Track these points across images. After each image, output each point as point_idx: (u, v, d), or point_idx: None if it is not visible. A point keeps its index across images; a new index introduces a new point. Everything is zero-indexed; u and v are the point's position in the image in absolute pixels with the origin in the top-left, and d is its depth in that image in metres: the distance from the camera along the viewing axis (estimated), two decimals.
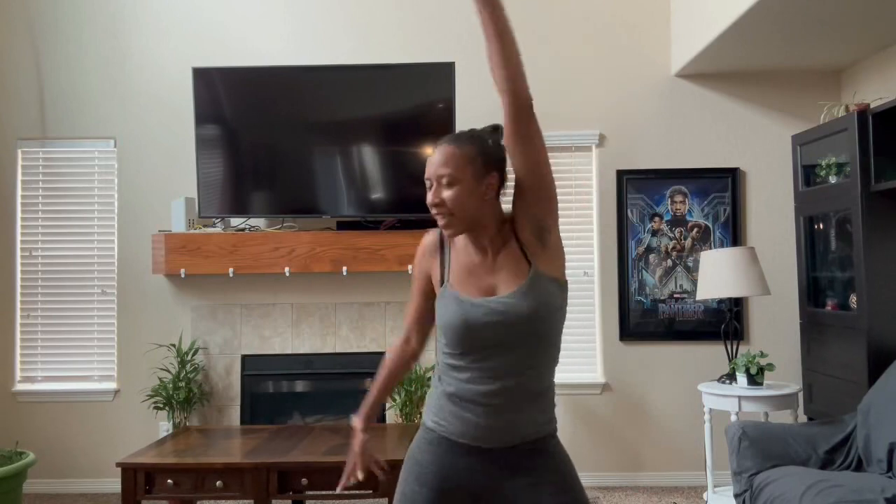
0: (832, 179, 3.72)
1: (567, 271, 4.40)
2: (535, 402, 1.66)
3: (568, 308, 4.47)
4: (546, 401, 1.69)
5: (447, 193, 1.62)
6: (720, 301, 4.35)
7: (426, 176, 1.68)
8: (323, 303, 4.36)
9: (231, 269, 4.10)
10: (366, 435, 1.81)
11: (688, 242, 4.41)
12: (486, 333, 1.61)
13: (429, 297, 1.80)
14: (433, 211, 1.66)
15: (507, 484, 1.65)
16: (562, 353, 3.97)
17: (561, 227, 4.53)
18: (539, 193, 1.62)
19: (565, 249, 4.42)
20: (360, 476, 1.79)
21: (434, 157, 1.65)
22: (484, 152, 1.64)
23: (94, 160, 4.47)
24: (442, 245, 1.75)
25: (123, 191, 4.43)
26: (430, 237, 1.78)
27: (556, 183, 4.66)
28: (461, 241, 1.72)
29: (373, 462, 1.81)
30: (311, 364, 4.33)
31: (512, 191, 1.67)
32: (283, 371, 4.34)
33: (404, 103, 4.14)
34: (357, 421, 1.82)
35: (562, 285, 1.67)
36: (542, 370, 1.67)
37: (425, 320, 1.83)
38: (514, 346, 1.62)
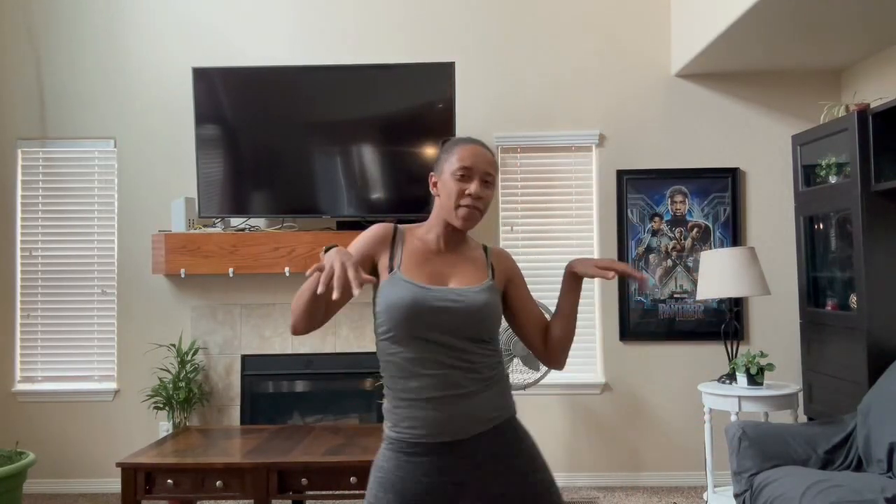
0: (832, 179, 3.72)
1: None
2: (487, 387, 1.66)
3: None
4: (499, 385, 1.70)
5: (486, 192, 1.70)
6: (720, 301, 4.35)
7: (469, 164, 1.68)
8: None
9: (231, 269, 4.10)
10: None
11: (688, 242, 4.41)
12: (435, 317, 1.62)
13: (362, 267, 1.76)
14: (469, 202, 1.68)
15: (474, 476, 1.64)
16: None
17: (561, 227, 4.55)
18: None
19: (566, 248, 4.43)
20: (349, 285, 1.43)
21: (483, 152, 1.72)
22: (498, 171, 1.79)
23: (94, 160, 4.47)
24: (394, 239, 1.75)
25: (123, 191, 4.43)
26: (384, 228, 1.76)
27: (557, 183, 4.68)
28: (418, 236, 1.76)
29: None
30: (311, 364, 4.33)
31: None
32: (283, 371, 4.34)
33: (404, 103, 4.14)
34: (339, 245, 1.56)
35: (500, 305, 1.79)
36: (488, 359, 1.68)
37: None
38: (459, 336, 1.63)
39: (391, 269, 1.70)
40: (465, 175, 1.68)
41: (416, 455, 1.64)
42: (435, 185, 1.76)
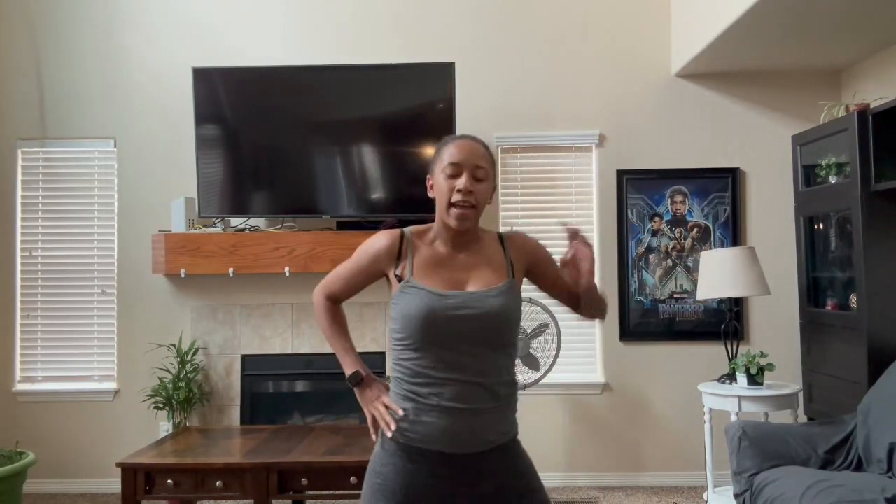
0: (832, 179, 3.72)
1: None
2: (498, 406, 1.64)
3: (568, 307, 4.46)
4: (508, 406, 1.68)
5: (477, 186, 1.66)
6: (720, 301, 4.35)
7: (458, 160, 1.65)
8: None
9: (231, 269, 4.10)
10: (376, 380, 1.77)
11: (688, 242, 4.41)
12: (452, 325, 1.59)
13: (364, 285, 1.80)
14: (459, 197, 1.63)
15: (472, 490, 1.63)
16: (562, 353, 3.97)
17: (561, 227, 4.53)
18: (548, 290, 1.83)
19: (566, 248, 4.43)
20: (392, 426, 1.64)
21: (472, 146, 1.68)
22: (494, 165, 1.74)
23: (94, 160, 4.46)
24: (402, 247, 1.71)
25: (123, 191, 4.43)
26: (389, 238, 1.72)
27: (557, 183, 4.69)
28: (427, 241, 1.72)
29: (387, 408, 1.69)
30: (311, 364, 4.33)
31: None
32: (283, 371, 4.34)
33: (404, 103, 4.13)
34: (363, 372, 1.76)
35: (520, 298, 1.76)
36: (503, 373, 1.65)
37: (348, 297, 1.83)
38: (477, 343, 1.61)
39: (404, 277, 1.67)
40: (455, 171, 1.65)
41: (420, 461, 1.61)
42: (431, 187, 1.73)
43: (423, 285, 1.64)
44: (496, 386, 1.63)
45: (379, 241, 1.73)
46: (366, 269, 1.75)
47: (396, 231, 1.74)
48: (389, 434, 1.63)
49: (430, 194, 1.73)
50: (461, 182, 1.64)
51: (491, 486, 1.63)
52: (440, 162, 1.68)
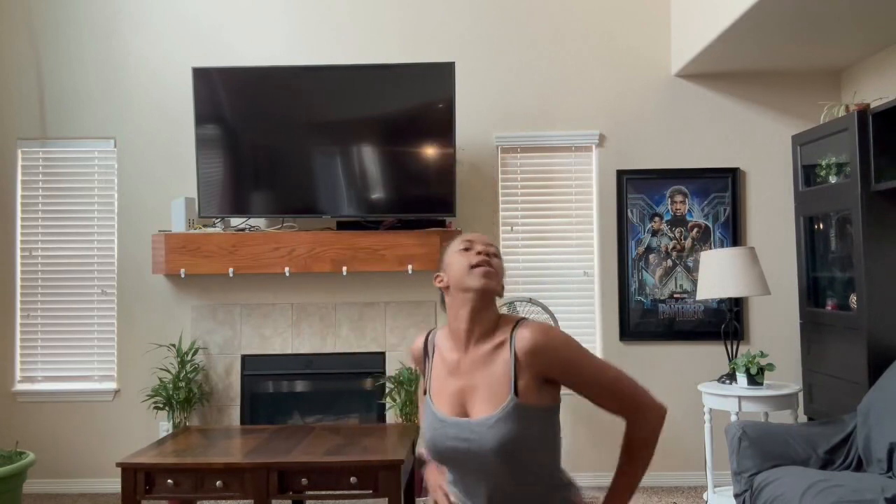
0: (832, 179, 3.72)
1: (567, 271, 4.42)
2: (539, 499, 1.52)
3: (568, 308, 4.41)
4: (554, 497, 1.53)
5: (494, 260, 1.58)
6: (720, 301, 4.35)
7: (470, 239, 1.61)
8: (323, 303, 4.36)
9: (231, 269, 4.10)
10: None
11: (688, 242, 4.41)
12: (453, 456, 1.52)
13: None
14: (478, 259, 1.56)
15: None
16: None
17: (561, 227, 4.55)
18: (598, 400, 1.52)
19: (566, 248, 4.43)
20: None
21: (482, 236, 1.64)
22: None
23: (94, 160, 4.46)
24: (426, 350, 1.68)
25: (123, 191, 4.43)
26: (417, 344, 1.71)
27: (557, 183, 4.69)
28: (446, 342, 1.62)
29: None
30: (311, 364, 4.33)
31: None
32: (283, 371, 4.34)
33: (404, 103, 4.14)
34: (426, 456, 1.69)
35: (551, 409, 1.51)
36: (531, 484, 1.50)
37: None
38: (486, 472, 1.49)
39: (426, 389, 1.65)
40: (468, 247, 1.61)
41: None
42: (441, 279, 1.63)
43: (431, 403, 1.60)
44: (524, 493, 1.51)
45: (414, 349, 1.73)
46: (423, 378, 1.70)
47: (423, 335, 1.72)
48: None
49: (440, 284, 1.62)
50: (479, 247, 1.61)
51: None
52: (452, 248, 1.64)
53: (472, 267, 1.55)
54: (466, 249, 1.60)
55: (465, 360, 1.55)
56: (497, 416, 1.45)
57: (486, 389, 1.50)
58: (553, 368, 1.47)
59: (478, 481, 1.50)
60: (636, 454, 1.50)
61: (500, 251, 1.64)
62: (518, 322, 1.53)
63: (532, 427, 1.45)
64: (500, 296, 1.60)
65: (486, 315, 1.55)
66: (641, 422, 1.49)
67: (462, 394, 1.53)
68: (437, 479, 1.66)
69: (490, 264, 1.56)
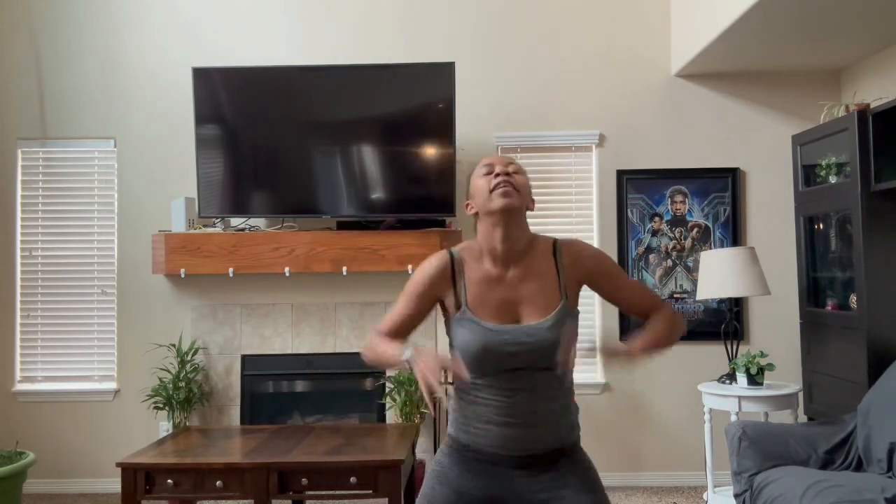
0: (832, 179, 3.72)
1: None
2: (557, 414, 1.67)
3: None
4: (568, 413, 1.71)
5: (515, 176, 1.67)
6: (720, 301, 4.35)
7: (489, 161, 1.70)
8: (323, 303, 4.36)
9: (231, 269, 4.10)
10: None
11: (688, 242, 4.41)
12: (508, 360, 1.62)
13: (424, 314, 1.73)
14: (499, 179, 1.64)
15: (529, 486, 1.66)
16: None
17: (561, 227, 4.55)
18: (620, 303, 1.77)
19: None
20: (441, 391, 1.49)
21: (502, 157, 1.72)
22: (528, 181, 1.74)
23: (94, 160, 4.46)
24: (453, 269, 1.70)
25: (123, 191, 4.43)
26: (439, 260, 1.71)
27: (557, 183, 4.69)
28: (475, 256, 1.70)
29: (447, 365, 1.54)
30: (311, 364, 4.33)
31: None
32: (283, 371, 4.34)
33: (404, 103, 4.13)
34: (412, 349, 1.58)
35: (578, 313, 1.72)
36: (561, 388, 1.68)
37: (407, 332, 1.73)
38: (535, 370, 1.63)
39: (459, 304, 1.67)
40: (489, 170, 1.69)
41: (478, 461, 1.67)
42: (470, 206, 1.72)
43: (476, 318, 1.64)
44: (551, 400, 1.67)
45: (429, 263, 1.72)
46: (424, 292, 1.70)
47: (444, 252, 1.73)
48: (445, 399, 1.60)
49: (470, 212, 1.72)
50: (498, 168, 1.67)
51: (546, 480, 1.67)
52: (473, 176, 1.73)
53: (493, 190, 1.64)
54: (488, 173, 1.68)
55: (510, 274, 1.67)
56: (553, 319, 1.62)
57: (538, 297, 1.64)
58: (594, 275, 1.70)
59: (528, 374, 1.61)
60: (661, 324, 1.71)
61: (522, 168, 1.72)
62: (556, 240, 1.73)
63: (575, 326, 1.65)
64: (531, 209, 1.70)
65: (519, 232, 1.67)
66: (666, 311, 1.74)
67: (510, 304, 1.65)
68: (430, 364, 1.50)
69: (510, 183, 1.64)
